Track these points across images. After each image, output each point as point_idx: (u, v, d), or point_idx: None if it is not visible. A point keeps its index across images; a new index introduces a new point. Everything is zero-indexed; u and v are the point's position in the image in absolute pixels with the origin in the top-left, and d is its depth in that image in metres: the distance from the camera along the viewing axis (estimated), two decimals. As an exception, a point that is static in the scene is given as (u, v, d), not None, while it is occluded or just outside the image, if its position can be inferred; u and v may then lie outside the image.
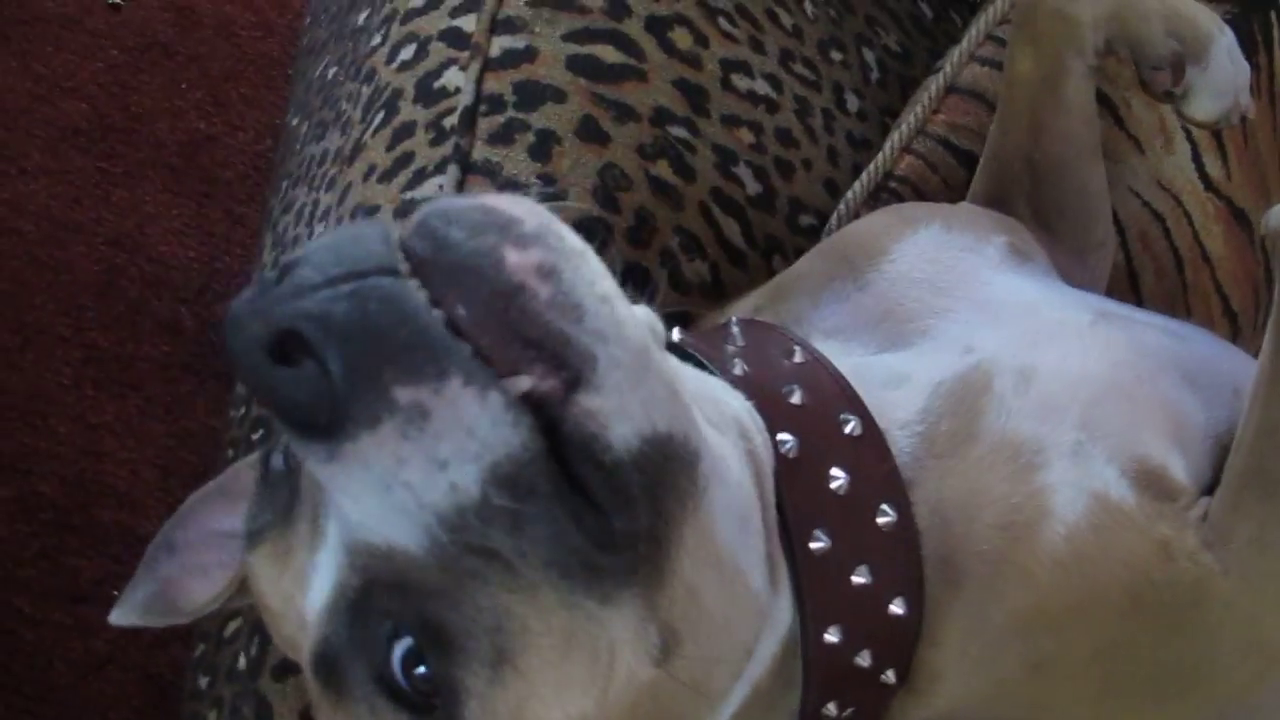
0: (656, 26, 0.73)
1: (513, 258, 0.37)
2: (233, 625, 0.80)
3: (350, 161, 0.74)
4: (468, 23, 0.70)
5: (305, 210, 0.93)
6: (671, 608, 0.42)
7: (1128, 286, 0.83)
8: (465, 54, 0.69)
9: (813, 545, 0.49)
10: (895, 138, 0.83)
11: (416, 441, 0.37)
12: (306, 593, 0.44)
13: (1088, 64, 0.71)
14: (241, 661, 0.76)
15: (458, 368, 0.36)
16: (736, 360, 0.54)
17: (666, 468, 0.40)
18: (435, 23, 0.72)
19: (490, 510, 0.38)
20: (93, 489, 1.02)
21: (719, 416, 0.49)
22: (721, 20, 0.78)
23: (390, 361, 0.36)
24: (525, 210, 0.39)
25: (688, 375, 0.50)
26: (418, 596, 0.40)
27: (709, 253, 0.73)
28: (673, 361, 0.47)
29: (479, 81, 0.68)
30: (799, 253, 0.78)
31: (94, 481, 1.02)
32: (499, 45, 0.69)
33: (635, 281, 0.69)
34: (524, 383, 0.37)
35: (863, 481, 0.51)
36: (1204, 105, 0.73)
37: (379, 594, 0.41)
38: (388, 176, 0.69)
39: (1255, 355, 0.87)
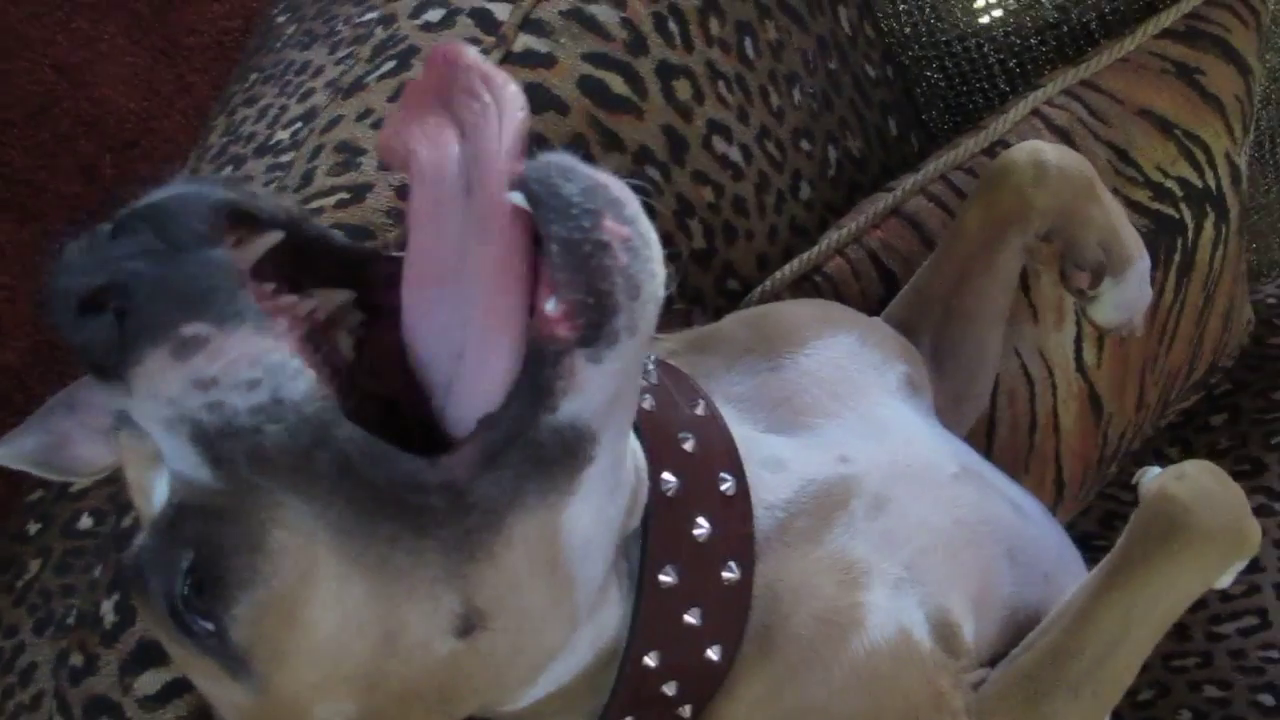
0: (665, 72, 0.78)
1: (609, 222, 0.42)
2: (82, 482, 0.81)
3: (347, 95, 0.76)
4: (501, 10, 0.73)
5: (270, 111, 0.94)
6: (482, 586, 0.44)
7: (984, 433, 0.91)
8: (491, 39, 0.72)
9: (662, 578, 0.54)
10: (834, 237, 0.89)
11: (185, 362, 0.40)
12: (152, 497, 0.46)
13: (1025, 241, 0.78)
14: (86, 521, 0.78)
15: (250, 315, 0.40)
16: (647, 395, 0.58)
17: (557, 458, 0.44)
18: (471, -1, 0.75)
19: (263, 441, 0.41)
20: (-35, 303, 1.00)
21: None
22: (721, 84, 0.83)
23: (181, 304, 0.40)
24: (630, 198, 0.43)
25: None
26: (210, 524, 0.43)
27: (644, 290, 0.78)
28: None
29: (495, 70, 0.71)
30: (718, 312, 0.84)
31: (-31, 297, 1.00)
32: (524, 42, 0.72)
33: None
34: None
35: (721, 536, 0.56)
36: (1105, 313, 0.82)
37: (185, 519, 0.43)
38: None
39: (1067, 523, 0.96)
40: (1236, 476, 1.15)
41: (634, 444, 0.55)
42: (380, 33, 0.79)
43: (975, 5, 0.97)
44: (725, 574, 0.56)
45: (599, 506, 0.48)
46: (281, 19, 1.05)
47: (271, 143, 0.91)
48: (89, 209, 1.06)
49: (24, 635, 0.77)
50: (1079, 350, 0.96)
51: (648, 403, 0.58)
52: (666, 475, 0.55)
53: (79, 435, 0.63)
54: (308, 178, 0.72)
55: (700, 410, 0.60)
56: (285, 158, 0.88)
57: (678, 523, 0.55)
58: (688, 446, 0.57)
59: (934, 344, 0.81)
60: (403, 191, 0.68)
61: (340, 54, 0.93)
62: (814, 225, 0.95)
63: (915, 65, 1.02)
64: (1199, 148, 0.94)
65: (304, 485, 0.42)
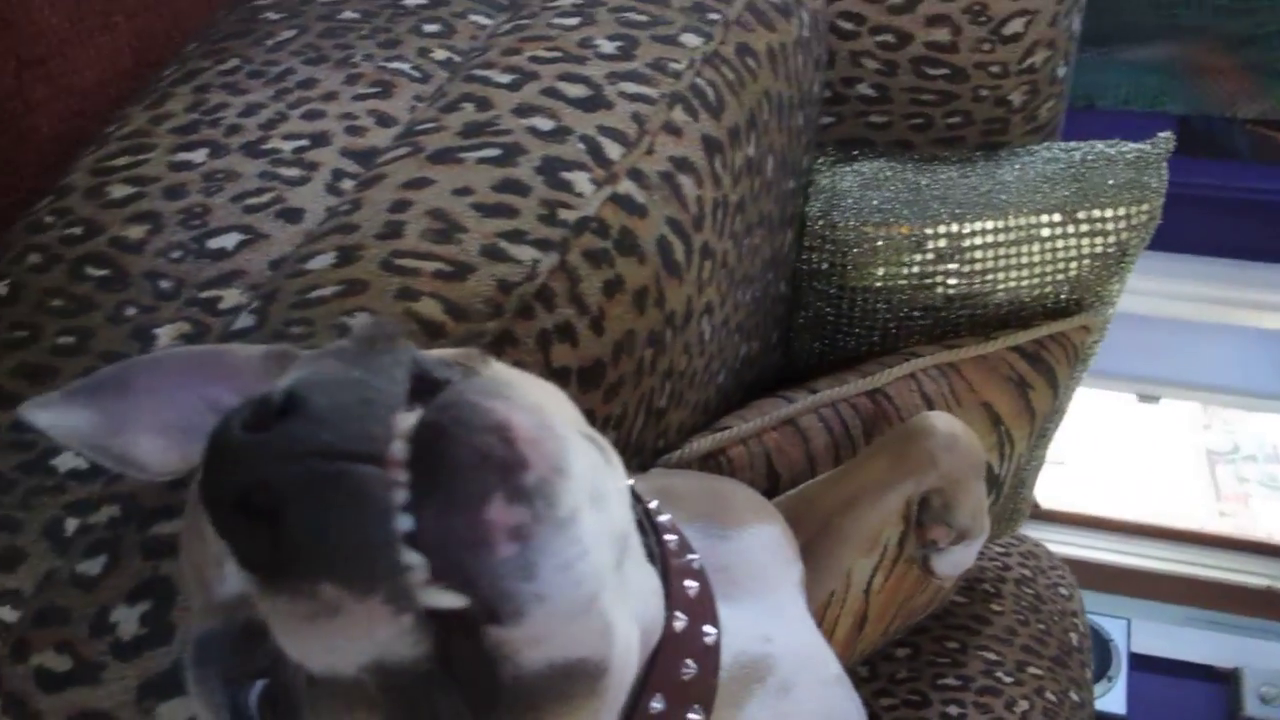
0: (704, 251, 0.85)
1: (494, 510, 0.40)
2: None
3: (436, 160, 0.76)
4: (613, 149, 0.78)
5: (261, 112, 0.92)
6: None
7: (791, 630, 1.03)
8: (601, 172, 0.76)
9: (653, 704, 0.58)
10: (739, 430, 0.99)
11: (317, 626, 0.40)
12: (221, 573, 0.47)
13: (915, 491, 0.92)
14: None
15: (386, 588, 0.40)
16: (672, 535, 0.64)
17: (566, 685, 0.45)
18: (585, 124, 0.78)
19: (358, 683, 0.42)
20: None
21: (643, 605, 0.56)
22: (722, 272, 0.91)
23: (331, 560, 0.39)
24: (537, 454, 0.41)
25: (640, 570, 0.57)
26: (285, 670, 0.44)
27: (620, 432, 0.83)
28: (637, 572, 0.54)
29: (601, 203, 0.76)
30: (644, 466, 0.91)
31: None
32: (627, 187, 0.77)
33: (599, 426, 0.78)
34: (448, 600, 0.41)
35: (698, 682, 0.61)
36: (944, 565, 0.97)
37: (264, 640, 0.43)
38: (486, 211, 0.73)
39: None
40: (907, 705, 1.36)
41: (657, 584, 0.61)
42: (473, 110, 0.80)
43: (881, 272, 1.13)
44: (691, 715, 0.62)
45: (620, 687, 0.49)
46: (273, 16, 1.02)
47: (266, 147, 0.88)
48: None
49: None
50: (872, 575, 1.11)
51: (673, 542, 0.64)
52: (679, 614, 0.61)
53: (137, 424, 0.59)
54: (395, 230, 0.72)
55: (695, 564, 0.66)
56: (288, 171, 0.86)
57: (675, 659, 0.60)
58: (691, 592, 0.63)
59: (804, 550, 0.92)
60: (505, 285, 0.70)
61: (363, 90, 0.92)
62: (717, 408, 1.04)
63: (812, 294, 1.16)
64: (1009, 444, 1.14)
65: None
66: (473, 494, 0.40)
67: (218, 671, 0.45)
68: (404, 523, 0.40)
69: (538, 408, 0.44)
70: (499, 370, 0.52)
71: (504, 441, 0.41)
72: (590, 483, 0.46)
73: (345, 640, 0.40)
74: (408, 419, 0.41)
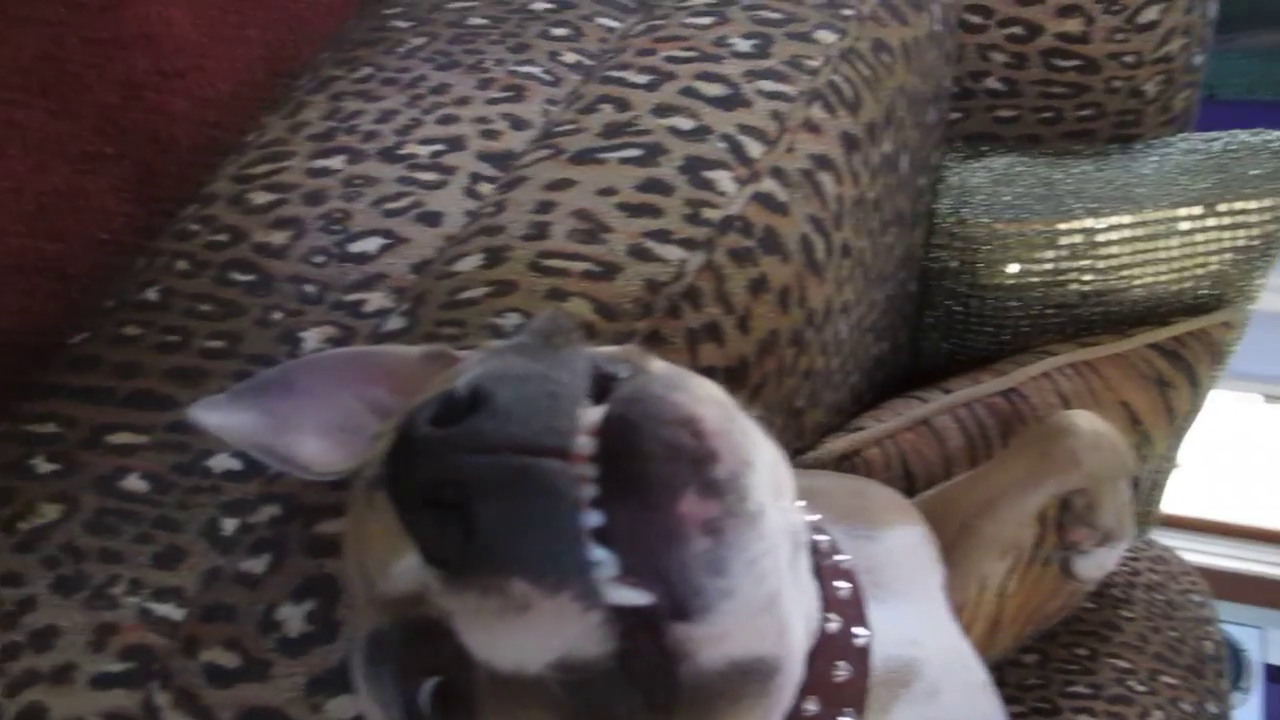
0: (843, 249, 0.84)
1: (689, 504, 0.39)
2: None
3: (577, 160, 0.76)
4: (754, 148, 0.77)
5: (396, 118, 0.93)
6: None
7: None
8: (744, 170, 0.76)
9: (807, 706, 0.57)
10: (875, 430, 0.98)
11: (506, 623, 0.40)
12: (390, 569, 0.45)
13: (1057, 492, 0.90)
14: (137, 483, 0.71)
15: (576, 584, 0.39)
16: (823, 534, 0.63)
17: (741, 684, 0.44)
18: (725, 123, 0.78)
19: (540, 681, 0.41)
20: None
21: (805, 605, 0.56)
22: (859, 271, 0.90)
23: (521, 556, 0.39)
24: (727, 446, 0.41)
25: (804, 570, 0.56)
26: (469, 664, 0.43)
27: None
28: (804, 572, 0.54)
29: (745, 201, 0.75)
30: (781, 465, 0.90)
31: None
32: (769, 185, 0.76)
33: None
34: (635, 597, 0.40)
35: (850, 684, 0.60)
36: (1087, 568, 0.95)
37: (443, 640, 0.43)
38: (631, 210, 0.72)
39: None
40: (1036, 713, 1.32)
41: (816, 589, 0.60)
42: (611, 111, 0.80)
43: (1012, 269, 1.10)
44: (843, 718, 0.61)
45: (788, 688, 0.49)
46: (402, 24, 1.03)
47: (403, 153, 0.89)
48: (118, 127, 0.97)
49: (35, 589, 0.68)
50: (1007, 579, 1.08)
51: (824, 542, 0.63)
52: (831, 615, 0.59)
53: (301, 424, 0.59)
54: (541, 231, 0.72)
55: (845, 564, 0.65)
56: (425, 175, 0.87)
57: (829, 661, 0.58)
58: (842, 594, 0.61)
59: (942, 552, 0.90)
60: (653, 285, 0.69)
61: (495, 94, 0.93)
62: (850, 410, 1.03)
63: (941, 293, 1.14)
64: (1147, 445, 1.11)
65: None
66: (665, 487, 0.39)
67: (390, 669, 0.45)
68: (592, 518, 0.39)
69: (720, 401, 0.43)
70: (665, 367, 0.52)
71: (694, 435, 0.40)
72: (772, 477, 0.45)
73: (534, 637, 0.40)
74: (592, 413, 0.41)
